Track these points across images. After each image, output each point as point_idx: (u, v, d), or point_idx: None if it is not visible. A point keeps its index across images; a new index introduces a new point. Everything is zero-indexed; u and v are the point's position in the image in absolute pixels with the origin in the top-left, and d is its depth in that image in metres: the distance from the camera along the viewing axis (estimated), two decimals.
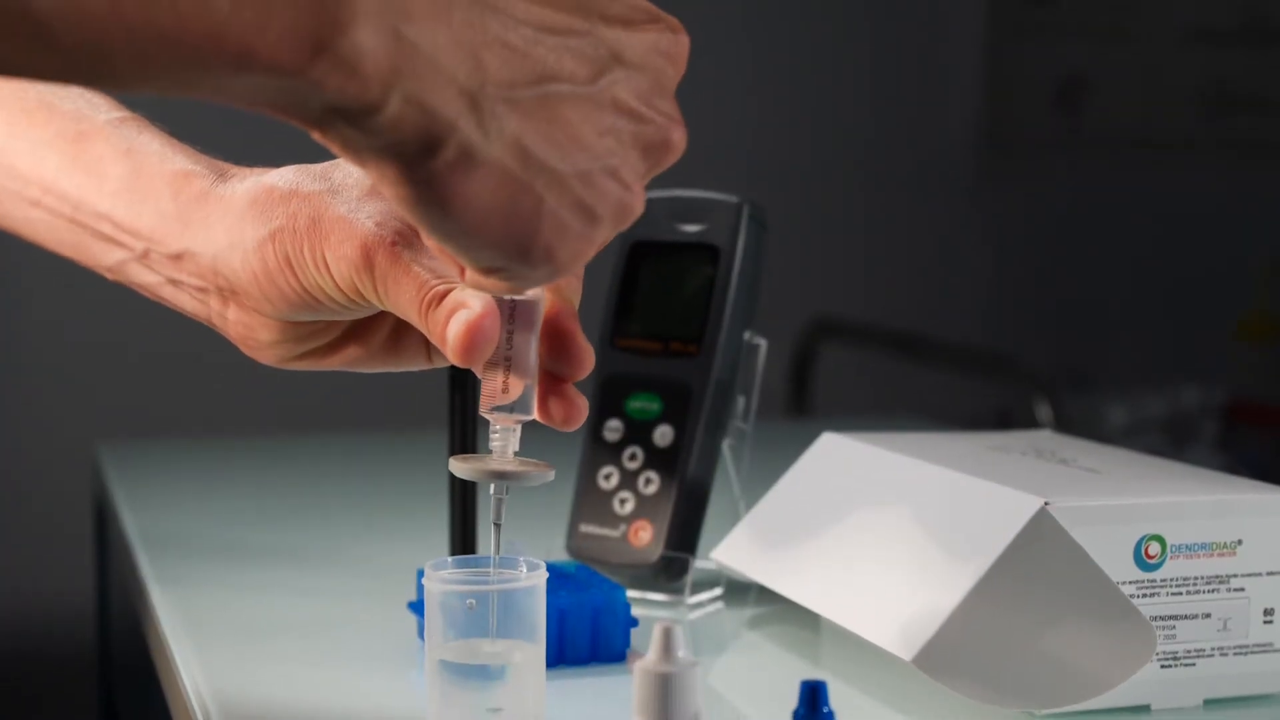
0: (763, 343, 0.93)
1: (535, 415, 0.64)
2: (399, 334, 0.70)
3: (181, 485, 1.29)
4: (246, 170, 0.69)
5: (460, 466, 0.64)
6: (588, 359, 0.65)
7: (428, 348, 0.70)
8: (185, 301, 0.69)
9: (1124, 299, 2.97)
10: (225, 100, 0.51)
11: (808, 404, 2.48)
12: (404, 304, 0.63)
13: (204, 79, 0.49)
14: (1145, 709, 0.73)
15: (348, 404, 2.34)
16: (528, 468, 0.64)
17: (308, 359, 0.69)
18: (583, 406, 0.65)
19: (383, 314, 0.68)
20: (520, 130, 0.54)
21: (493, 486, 0.64)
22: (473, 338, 0.60)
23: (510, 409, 0.63)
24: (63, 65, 0.47)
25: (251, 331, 0.68)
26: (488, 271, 0.57)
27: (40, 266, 2.33)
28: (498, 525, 0.65)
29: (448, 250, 0.57)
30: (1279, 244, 2.99)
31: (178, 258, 0.68)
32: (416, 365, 0.70)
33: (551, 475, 0.64)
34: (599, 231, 0.57)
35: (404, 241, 0.64)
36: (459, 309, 0.61)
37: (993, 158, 2.89)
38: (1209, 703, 0.74)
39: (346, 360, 0.70)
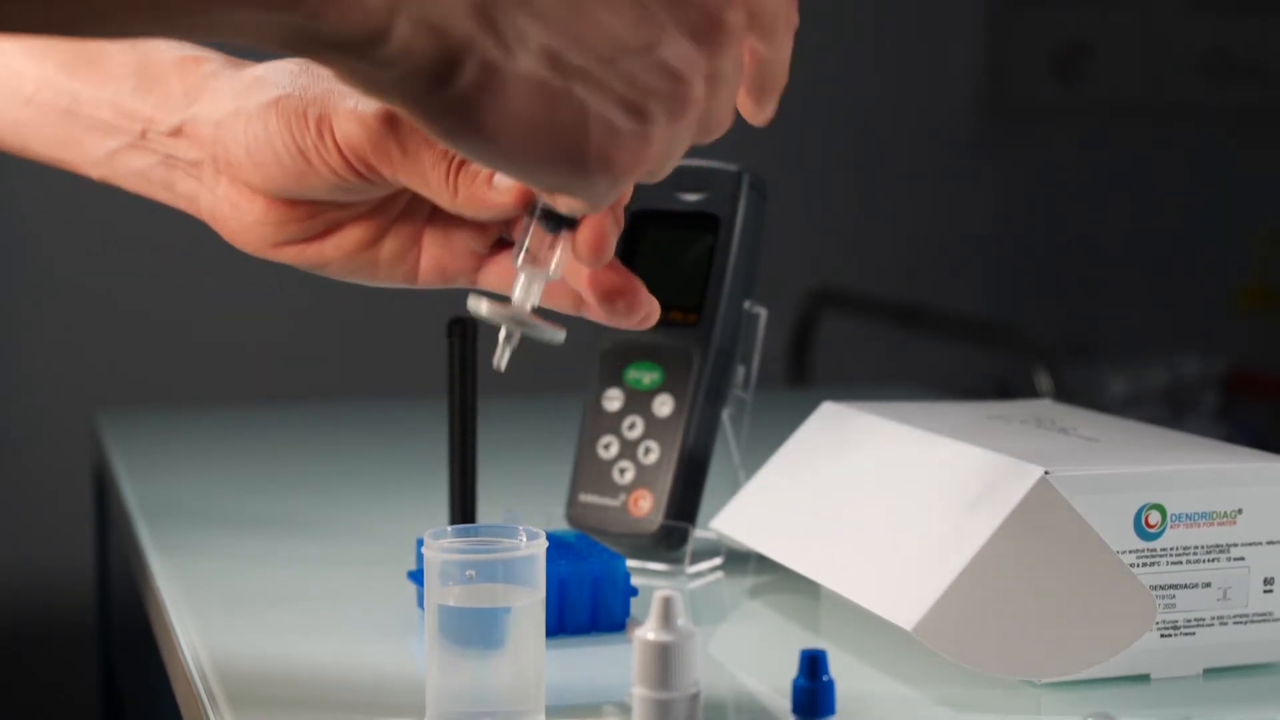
0: (763, 312, 0.93)
1: (552, 272, 0.62)
2: (380, 240, 0.68)
3: (181, 454, 1.29)
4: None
5: (478, 304, 0.62)
6: (639, 289, 0.65)
7: (407, 263, 0.68)
8: (178, 181, 0.68)
9: (1124, 268, 2.97)
10: (222, 38, 0.49)
11: (808, 373, 2.48)
12: (425, 166, 0.62)
13: (196, 19, 0.47)
14: (1145, 678, 0.73)
15: (347, 373, 2.34)
16: (541, 321, 0.63)
17: (286, 249, 0.68)
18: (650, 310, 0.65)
19: (368, 216, 0.67)
20: (546, 35, 0.50)
21: (503, 330, 0.63)
22: (600, 245, 0.61)
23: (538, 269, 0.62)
24: (45, 13, 0.45)
25: (237, 210, 0.67)
26: (551, 191, 0.55)
27: (40, 235, 2.33)
28: (500, 369, 0.64)
29: (503, 174, 0.55)
30: None
31: (177, 131, 0.67)
32: (393, 281, 0.68)
33: (562, 336, 0.63)
34: (654, 128, 0.53)
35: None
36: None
37: (993, 125, 2.88)
38: (1209, 672, 0.74)
39: (322, 257, 0.68)
